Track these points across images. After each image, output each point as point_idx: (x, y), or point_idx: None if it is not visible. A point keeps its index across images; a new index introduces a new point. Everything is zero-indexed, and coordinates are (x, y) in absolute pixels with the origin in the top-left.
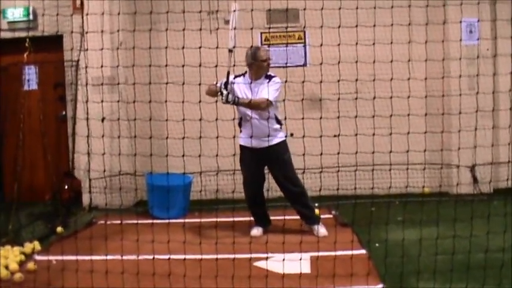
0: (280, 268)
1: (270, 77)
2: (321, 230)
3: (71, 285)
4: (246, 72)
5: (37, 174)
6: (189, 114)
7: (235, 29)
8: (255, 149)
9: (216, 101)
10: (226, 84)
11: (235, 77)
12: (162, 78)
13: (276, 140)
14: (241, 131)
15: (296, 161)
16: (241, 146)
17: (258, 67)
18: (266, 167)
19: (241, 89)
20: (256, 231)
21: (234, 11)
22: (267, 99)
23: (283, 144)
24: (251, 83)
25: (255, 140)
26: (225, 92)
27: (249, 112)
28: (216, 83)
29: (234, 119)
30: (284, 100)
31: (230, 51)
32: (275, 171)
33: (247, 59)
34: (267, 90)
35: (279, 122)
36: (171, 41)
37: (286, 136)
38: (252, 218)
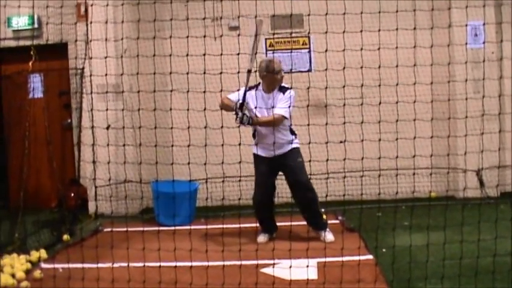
0: (287, 274)
1: (283, 89)
2: (328, 236)
3: None
4: (259, 83)
5: (43, 182)
6: (194, 121)
7: (256, 49)
8: (270, 158)
9: (221, 108)
10: (242, 105)
11: (249, 88)
12: (166, 85)
13: (290, 147)
14: (256, 144)
15: None
16: (255, 155)
17: (271, 79)
18: (279, 173)
19: (255, 101)
20: (263, 237)
21: (256, 31)
22: (281, 115)
23: (296, 150)
24: (265, 94)
25: (269, 151)
26: (240, 114)
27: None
28: (230, 94)
29: (239, 126)
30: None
31: (249, 71)
32: (289, 175)
33: (261, 71)
34: (281, 104)
35: (293, 132)
36: (175, 48)
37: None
38: (258, 225)
